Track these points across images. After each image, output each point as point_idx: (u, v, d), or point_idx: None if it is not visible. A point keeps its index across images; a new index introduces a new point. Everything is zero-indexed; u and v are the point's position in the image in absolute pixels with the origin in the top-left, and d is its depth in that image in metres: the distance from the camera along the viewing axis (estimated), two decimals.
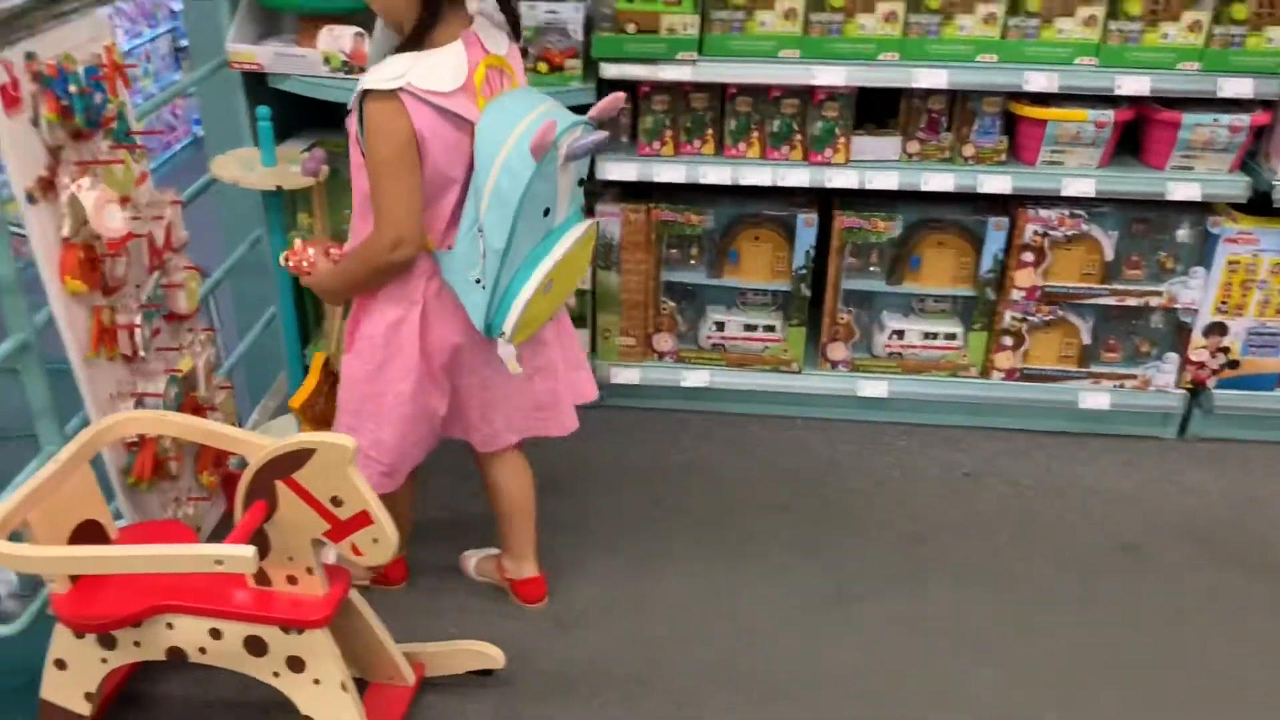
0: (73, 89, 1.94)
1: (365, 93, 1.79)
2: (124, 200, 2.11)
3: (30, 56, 1.89)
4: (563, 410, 2.21)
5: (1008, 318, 2.90)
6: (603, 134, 1.90)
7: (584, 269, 2.08)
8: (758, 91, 2.70)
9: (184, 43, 8.07)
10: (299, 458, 1.74)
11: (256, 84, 2.70)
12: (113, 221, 2.00)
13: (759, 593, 2.43)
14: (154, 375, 2.24)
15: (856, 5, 2.60)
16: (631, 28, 2.59)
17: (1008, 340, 2.93)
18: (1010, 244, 2.82)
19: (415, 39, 1.81)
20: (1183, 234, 2.79)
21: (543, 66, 2.62)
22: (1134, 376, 2.95)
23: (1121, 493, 2.80)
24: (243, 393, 3.77)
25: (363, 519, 1.78)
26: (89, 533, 1.93)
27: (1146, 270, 2.84)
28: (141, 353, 2.16)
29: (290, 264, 2.11)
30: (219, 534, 2.43)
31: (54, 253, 1.96)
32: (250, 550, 1.67)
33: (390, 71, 1.77)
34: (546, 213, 1.89)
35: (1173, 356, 2.92)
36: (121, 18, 7.76)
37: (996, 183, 2.72)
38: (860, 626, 2.33)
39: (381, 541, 1.80)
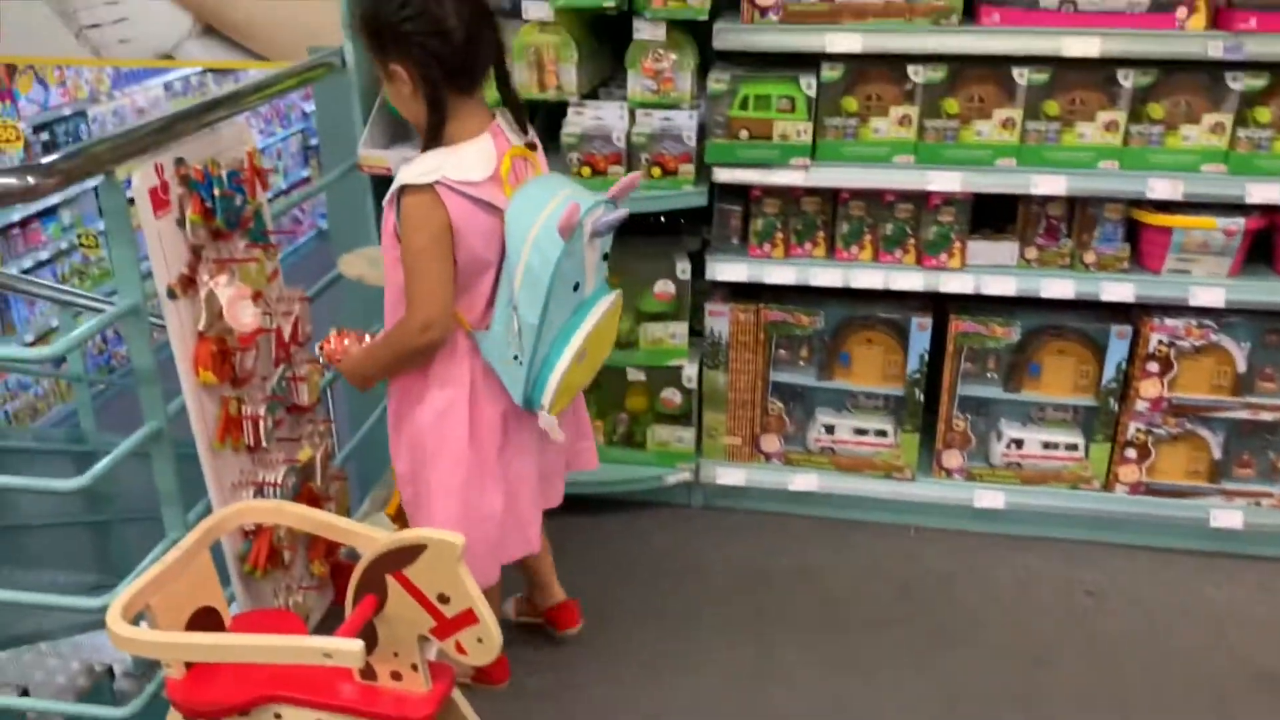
0: (216, 192, 2.06)
1: (403, 187, 1.89)
2: (256, 296, 2.21)
3: (180, 162, 2.01)
4: (561, 481, 2.31)
5: (1132, 429, 2.79)
6: (624, 212, 1.99)
7: (613, 339, 2.15)
8: (871, 196, 2.70)
9: (314, 142, 8.53)
10: (410, 553, 1.75)
11: (384, 187, 2.81)
12: (245, 317, 2.09)
13: (867, 709, 2.34)
14: (274, 465, 2.31)
15: (973, 111, 2.60)
16: (744, 134, 2.63)
17: (1132, 453, 2.81)
18: (1134, 353, 2.72)
19: (433, 137, 1.92)
20: None
21: (655, 171, 2.67)
22: (1270, 494, 2.80)
23: (1257, 619, 2.63)
24: (355, 482, 3.86)
25: (468, 617, 1.78)
26: (206, 619, 1.97)
27: None
28: (264, 443, 2.23)
29: (323, 351, 2.18)
30: (327, 622, 2.46)
31: (189, 345, 2.06)
32: (358, 645, 1.69)
33: (425, 167, 1.89)
34: (576, 287, 1.98)
35: None
36: (256, 117, 8.26)
37: (1119, 290, 2.64)
38: None
39: (486, 641, 1.80)
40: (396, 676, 1.87)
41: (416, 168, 1.89)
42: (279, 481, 2.27)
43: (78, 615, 3.12)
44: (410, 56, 1.87)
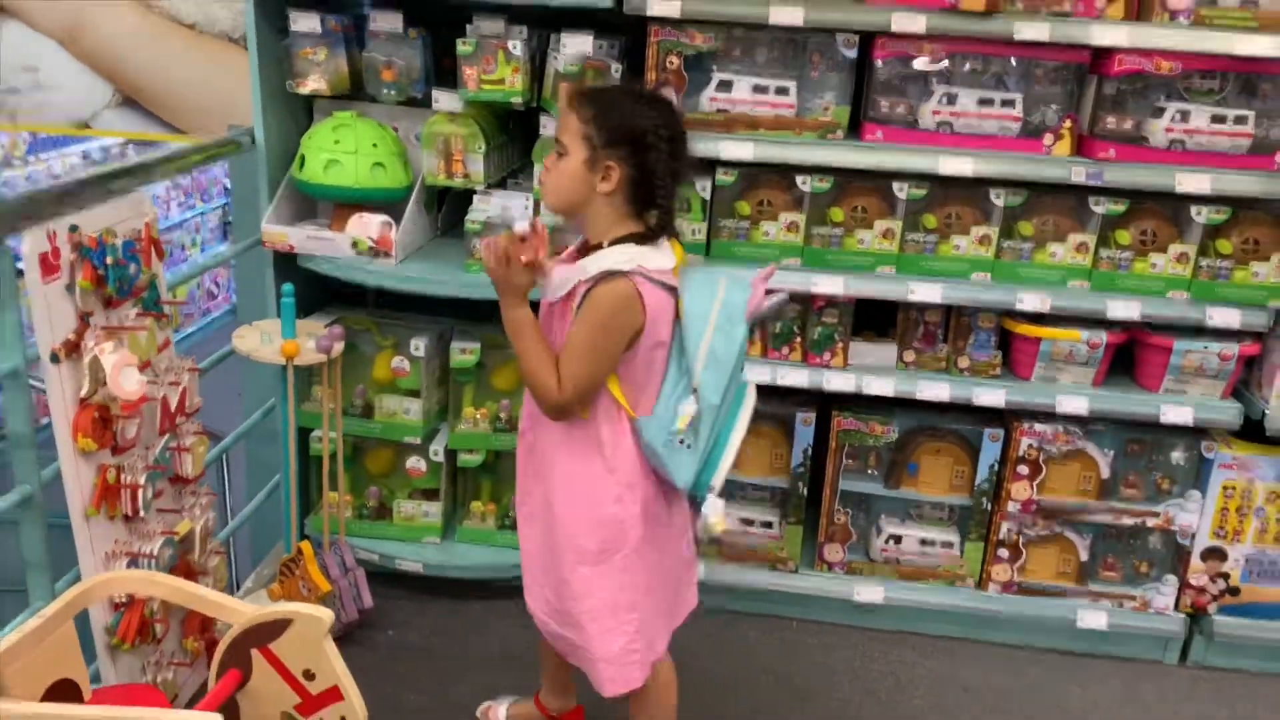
0: (109, 260, 2.08)
1: (603, 274, 1.86)
2: (144, 365, 2.21)
3: (74, 229, 2.03)
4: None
5: (1004, 529, 2.90)
6: (785, 295, 2.14)
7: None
8: None
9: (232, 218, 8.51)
10: (276, 628, 1.76)
11: (288, 262, 2.85)
12: (129, 384, 2.09)
13: None
14: (151, 536, 2.28)
15: (856, 221, 2.74)
16: None
17: (1004, 552, 2.92)
18: (1005, 455, 2.85)
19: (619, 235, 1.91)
20: (1178, 456, 2.82)
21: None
22: (1133, 597, 2.92)
23: (1121, 717, 2.73)
24: (245, 557, 3.80)
25: (333, 695, 1.79)
26: (63, 691, 1.92)
27: (1144, 490, 2.86)
28: (142, 513, 2.21)
29: (500, 248, 1.93)
30: (195, 702, 2.40)
31: (70, 411, 2.05)
32: (215, 718, 1.67)
33: (622, 256, 1.87)
34: (741, 369, 2.02)
35: (1171, 579, 2.89)
36: (177, 190, 8.23)
37: (991, 395, 2.78)
38: None
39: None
40: None
41: (612, 258, 1.88)
42: (154, 553, 2.24)
43: None
44: (638, 168, 1.87)
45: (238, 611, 1.97)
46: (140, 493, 2.19)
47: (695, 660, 2.82)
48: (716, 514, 2.00)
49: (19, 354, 1.99)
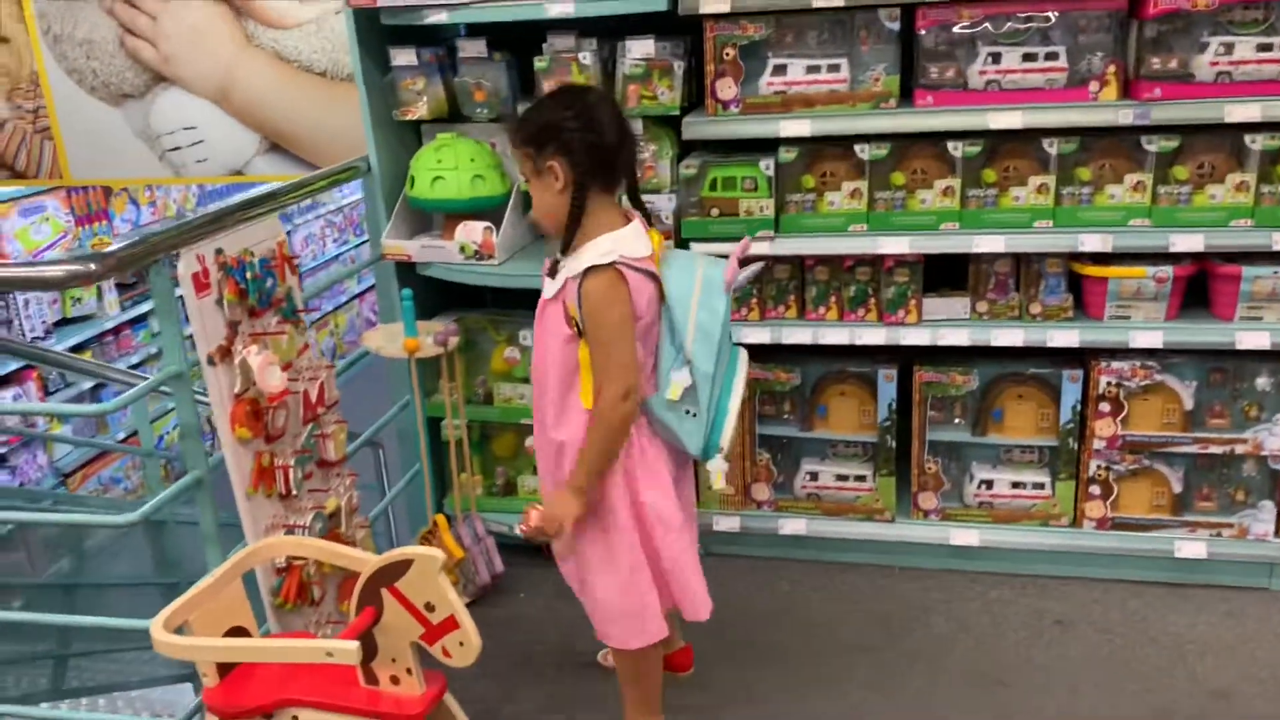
0: (249, 275, 2.46)
1: (587, 270, 2.12)
2: (287, 366, 2.59)
3: (219, 251, 2.42)
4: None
5: (1093, 467, 2.99)
6: (760, 265, 2.43)
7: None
8: (832, 261, 3.01)
9: None
10: (399, 568, 2.07)
11: (409, 271, 3.21)
12: (273, 380, 2.46)
13: None
14: (303, 511, 2.65)
15: (916, 182, 2.90)
16: (715, 212, 2.97)
17: (1096, 489, 3.01)
18: (1086, 395, 2.95)
19: (573, 225, 2.17)
20: (1262, 382, 2.85)
21: None
22: (1231, 525, 2.96)
23: (1219, 642, 2.78)
24: (396, 539, 4.20)
25: (450, 624, 2.08)
26: (238, 636, 2.30)
27: (1230, 418, 2.90)
28: (294, 491, 2.58)
29: (530, 530, 2.24)
30: None
31: (227, 406, 2.43)
32: (354, 645, 2.00)
33: (601, 250, 2.13)
34: (729, 338, 2.26)
35: (1268, 504, 2.92)
36: (331, 228, 8.91)
37: (1065, 337, 2.89)
38: None
39: (466, 645, 2.08)
40: (395, 681, 2.16)
41: (592, 253, 2.12)
42: (306, 525, 2.61)
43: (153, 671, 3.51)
44: (569, 154, 2.12)
45: (370, 562, 2.31)
46: (291, 473, 2.56)
47: (803, 606, 3.04)
48: (718, 471, 2.23)
49: (182, 359, 2.39)
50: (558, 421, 2.28)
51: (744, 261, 2.26)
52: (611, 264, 2.12)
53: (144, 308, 6.58)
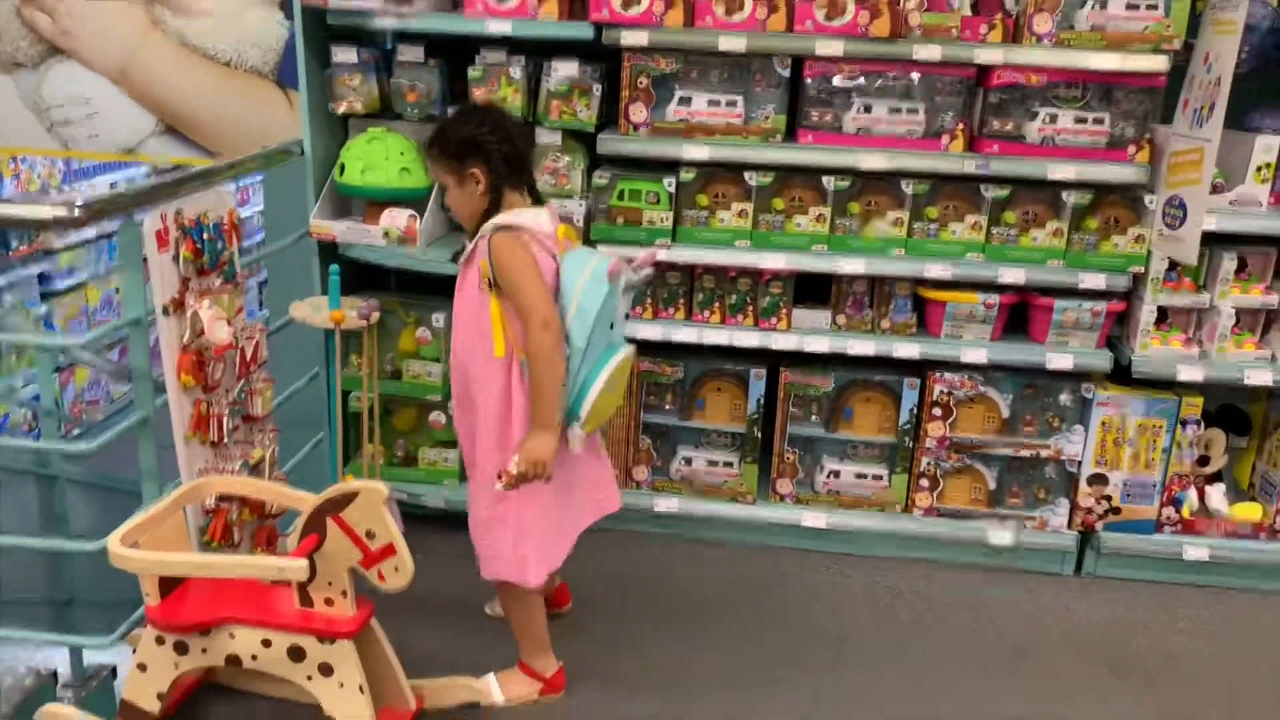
0: (205, 236, 2.69)
1: (496, 229, 2.46)
2: (228, 322, 2.81)
3: (178, 212, 2.64)
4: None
5: (924, 463, 3.51)
6: (651, 270, 2.75)
7: (625, 385, 2.70)
8: (719, 271, 3.43)
9: None
10: (346, 499, 2.35)
11: (329, 250, 3.45)
12: (221, 334, 2.69)
13: (704, 669, 2.94)
14: (231, 459, 2.86)
15: (794, 208, 3.37)
16: (621, 220, 3.36)
17: (925, 482, 3.52)
18: (922, 400, 3.46)
19: (488, 216, 2.53)
20: (1064, 397, 3.43)
21: None
22: (1034, 518, 3.52)
23: (1022, 612, 3.32)
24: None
25: (388, 550, 2.37)
26: None
27: (1038, 427, 3.47)
28: (225, 440, 2.81)
29: (507, 481, 2.47)
30: None
31: (175, 354, 2.65)
32: (304, 562, 2.27)
33: (506, 218, 2.49)
34: (611, 326, 2.58)
35: (1064, 502, 3.49)
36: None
37: (908, 349, 3.39)
38: (786, 702, 2.83)
39: (401, 569, 2.38)
40: (329, 603, 2.43)
41: (499, 220, 2.49)
42: (235, 470, 2.83)
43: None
44: (489, 162, 2.49)
45: (308, 500, 2.57)
46: (225, 421, 2.78)
47: (675, 574, 3.42)
48: (575, 440, 2.54)
49: (141, 307, 2.60)
50: (483, 375, 2.58)
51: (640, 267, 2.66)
52: (515, 226, 2.48)
53: None
